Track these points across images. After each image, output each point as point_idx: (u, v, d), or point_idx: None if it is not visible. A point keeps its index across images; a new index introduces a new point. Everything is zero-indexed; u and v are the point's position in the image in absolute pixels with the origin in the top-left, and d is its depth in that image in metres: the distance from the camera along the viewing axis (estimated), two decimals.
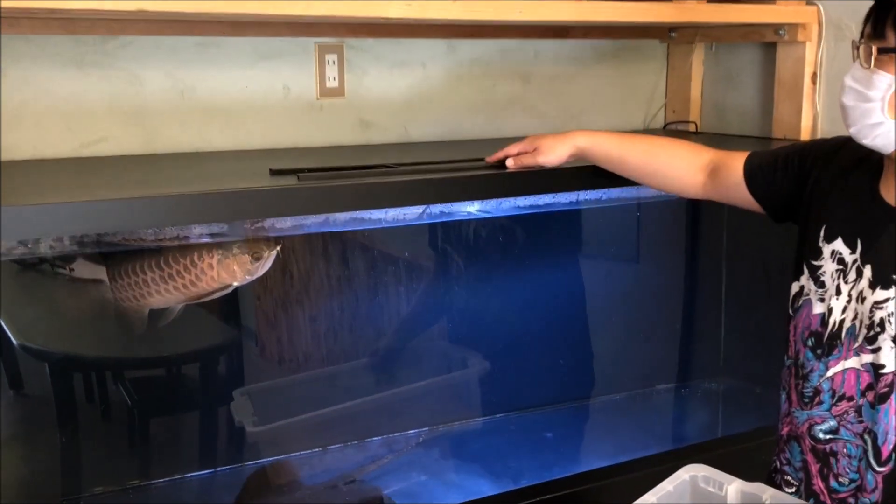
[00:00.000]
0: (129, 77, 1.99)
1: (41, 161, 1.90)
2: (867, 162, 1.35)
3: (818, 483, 1.37)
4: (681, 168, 1.65)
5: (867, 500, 1.31)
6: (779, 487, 1.43)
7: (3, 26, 1.77)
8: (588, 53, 2.57)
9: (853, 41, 1.28)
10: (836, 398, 1.34)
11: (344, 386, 2.22)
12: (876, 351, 1.29)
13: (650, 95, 2.69)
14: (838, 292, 1.34)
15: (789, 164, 1.47)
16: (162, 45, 2.01)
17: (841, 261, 1.34)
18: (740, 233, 2.51)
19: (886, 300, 1.28)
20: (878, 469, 1.30)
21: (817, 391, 1.36)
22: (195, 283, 1.70)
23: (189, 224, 1.56)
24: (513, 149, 1.78)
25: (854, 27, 1.28)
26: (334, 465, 2.11)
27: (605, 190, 1.81)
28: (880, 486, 1.30)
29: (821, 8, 2.28)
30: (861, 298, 1.31)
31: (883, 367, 1.28)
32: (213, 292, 1.72)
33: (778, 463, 1.47)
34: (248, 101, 2.12)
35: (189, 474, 2.05)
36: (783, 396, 1.45)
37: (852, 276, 1.33)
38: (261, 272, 1.74)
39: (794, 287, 1.41)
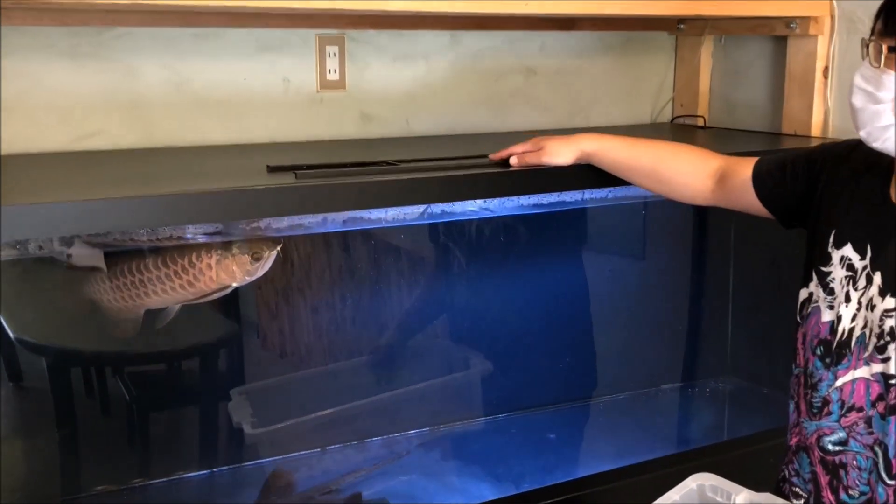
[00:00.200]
0: (125, 69, 1.96)
1: (34, 155, 1.87)
2: (878, 165, 1.31)
3: (828, 496, 1.35)
4: (689, 175, 1.61)
5: None
6: (787, 498, 1.41)
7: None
8: (595, 45, 2.53)
9: (863, 39, 1.23)
10: (845, 409, 1.31)
11: (344, 386, 2.19)
12: (886, 361, 1.26)
13: (658, 89, 2.65)
14: (847, 299, 1.31)
15: (798, 168, 1.44)
16: (158, 37, 1.97)
17: (850, 267, 1.31)
18: (749, 230, 2.47)
19: None
20: (888, 482, 1.27)
21: (826, 401, 1.33)
22: (193, 284, 1.67)
23: (182, 224, 1.52)
24: (517, 148, 1.74)
25: (868, 21, 1.24)
26: (331, 466, 2.08)
27: (611, 189, 1.77)
28: (892, 499, 1.27)
29: (833, 1, 2.24)
30: (871, 306, 1.27)
31: (893, 377, 1.25)
32: (211, 293, 1.69)
33: (787, 473, 1.44)
34: (246, 93, 2.08)
35: (186, 474, 2.03)
36: (791, 406, 1.42)
37: (862, 282, 1.29)
38: (261, 273, 1.71)
39: (803, 294, 1.38)
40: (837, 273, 1.32)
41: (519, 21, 2.33)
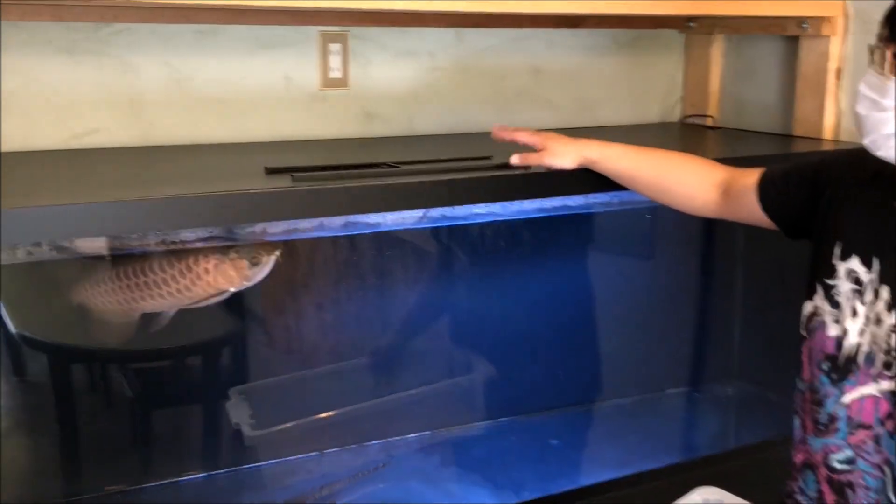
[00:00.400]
0: (123, 66, 1.93)
1: (30, 153, 1.84)
2: (886, 175, 1.27)
3: None
4: (693, 187, 1.59)
5: None
6: None
7: None
8: (603, 43, 2.49)
9: (869, 45, 1.20)
10: (852, 426, 1.28)
11: (345, 388, 2.17)
12: (894, 378, 1.22)
13: (667, 87, 2.61)
14: (854, 314, 1.28)
15: (803, 179, 1.41)
16: (157, 33, 1.94)
17: (857, 280, 1.28)
18: (757, 231, 2.42)
19: None
20: None
21: (833, 418, 1.30)
22: (190, 288, 1.65)
23: (173, 230, 1.50)
24: (522, 135, 1.70)
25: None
26: (330, 470, 2.06)
27: (616, 192, 1.74)
28: None
29: (847, 0, 2.19)
30: (878, 321, 1.24)
31: None
32: (208, 298, 1.67)
33: (792, 489, 1.41)
34: (247, 91, 2.05)
35: (182, 478, 2.01)
36: (797, 422, 1.38)
37: (869, 296, 1.26)
38: (259, 277, 1.69)
39: (808, 307, 1.35)
40: (843, 286, 1.29)
41: (525, 19, 2.30)
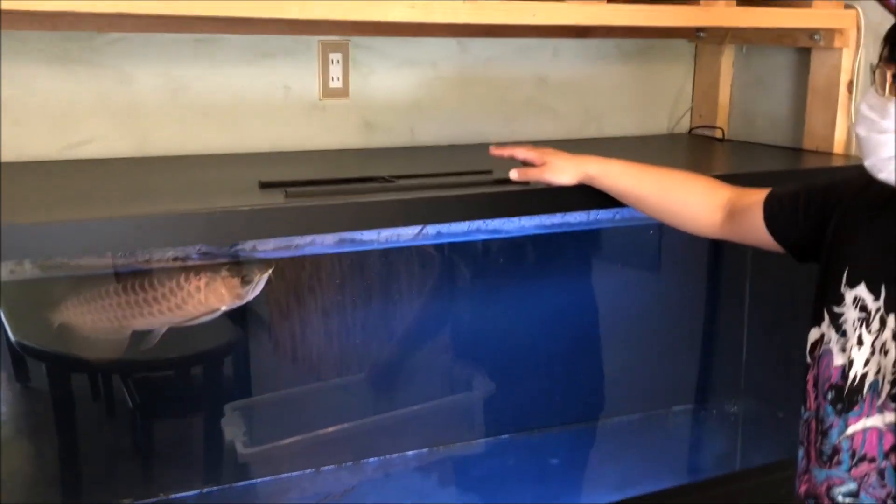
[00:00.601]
0: (119, 75, 1.90)
1: (24, 164, 1.82)
2: (895, 201, 1.23)
3: None
4: (697, 206, 1.55)
5: None
6: None
7: None
8: (610, 53, 2.45)
9: (871, 64, 1.16)
10: (856, 459, 1.24)
11: (341, 405, 2.14)
12: None
13: (675, 98, 2.57)
14: (860, 342, 1.23)
15: (811, 202, 1.37)
16: (154, 42, 1.91)
17: (863, 308, 1.23)
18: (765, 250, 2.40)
19: None
20: None
21: (836, 450, 1.26)
22: (181, 307, 1.63)
23: (164, 247, 1.47)
24: (521, 151, 1.67)
25: None
26: (324, 487, 2.03)
27: (618, 209, 1.70)
28: None
29: (860, 12, 2.15)
30: (884, 351, 1.20)
31: None
32: (199, 316, 1.65)
33: None
34: (245, 101, 2.02)
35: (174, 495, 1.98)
36: (801, 452, 1.34)
37: (875, 325, 1.22)
38: (251, 296, 1.67)
39: (814, 334, 1.30)
40: (850, 314, 1.25)
41: (529, 28, 2.25)
